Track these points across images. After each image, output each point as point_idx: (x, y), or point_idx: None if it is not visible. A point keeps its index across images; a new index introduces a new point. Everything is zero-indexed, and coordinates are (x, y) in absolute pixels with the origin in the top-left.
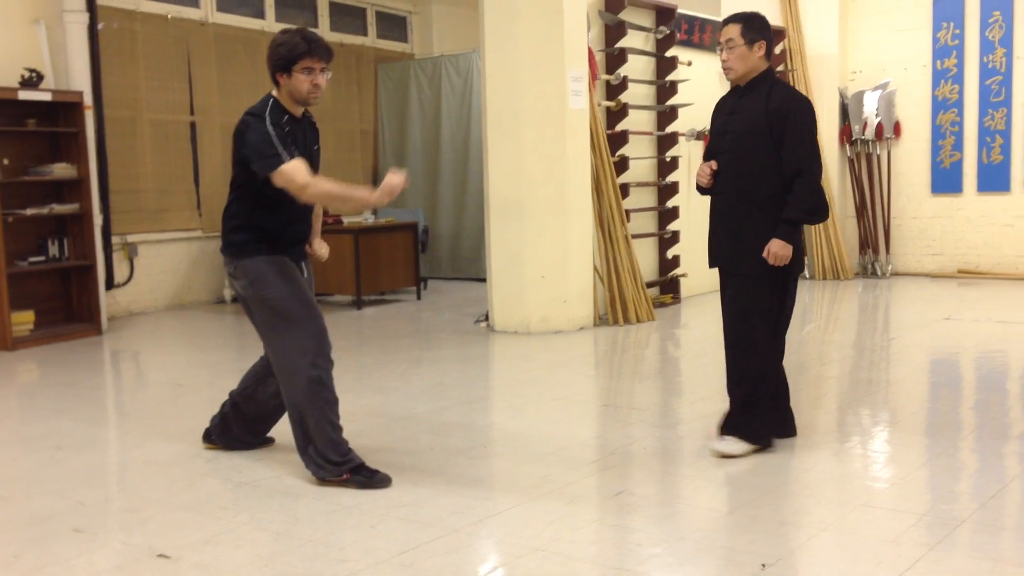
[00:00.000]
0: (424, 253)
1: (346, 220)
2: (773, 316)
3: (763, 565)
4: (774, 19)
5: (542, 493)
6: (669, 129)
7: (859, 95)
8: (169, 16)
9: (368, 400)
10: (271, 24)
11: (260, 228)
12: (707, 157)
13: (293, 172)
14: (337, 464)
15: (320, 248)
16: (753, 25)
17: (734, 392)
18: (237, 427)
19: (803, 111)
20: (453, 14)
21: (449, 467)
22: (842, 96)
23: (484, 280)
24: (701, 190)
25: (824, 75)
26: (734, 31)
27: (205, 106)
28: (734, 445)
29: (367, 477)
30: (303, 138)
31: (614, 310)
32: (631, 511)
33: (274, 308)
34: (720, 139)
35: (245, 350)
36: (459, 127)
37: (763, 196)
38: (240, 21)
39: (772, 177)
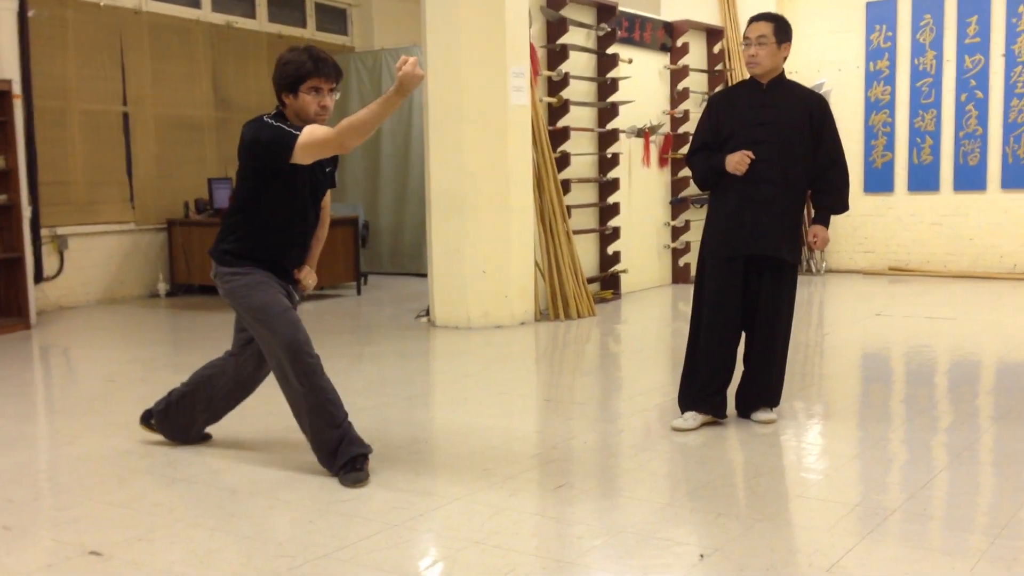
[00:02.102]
0: (364, 248)
1: None
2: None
3: (701, 556)
4: (712, 19)
5: (483, 487)
6: (610, 126)
7: None
8: (102, 4)
9: None
10: (207, 14)
11: (258, 245)
12: (714, 148)
13: (311, 134)
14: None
15: (307, 278)
16: (783, 26)
17: (777, 369)
18: (182, 418)
19: (829, 109)
20: (394, 7)
21: (390, 462)
22: None
23: (425, 275)
24: (710, 182)
25: None
26: (767, 28)
27: (138, 96)
28: (772, 414)
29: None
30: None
31: (555, 305)
32: (572, 504)
33: (253, 316)
34: (753, 130)
35: (179, 345)
36: (400, 122)
37: (803, 185)
38: (175, 10)
39: (808, 167)
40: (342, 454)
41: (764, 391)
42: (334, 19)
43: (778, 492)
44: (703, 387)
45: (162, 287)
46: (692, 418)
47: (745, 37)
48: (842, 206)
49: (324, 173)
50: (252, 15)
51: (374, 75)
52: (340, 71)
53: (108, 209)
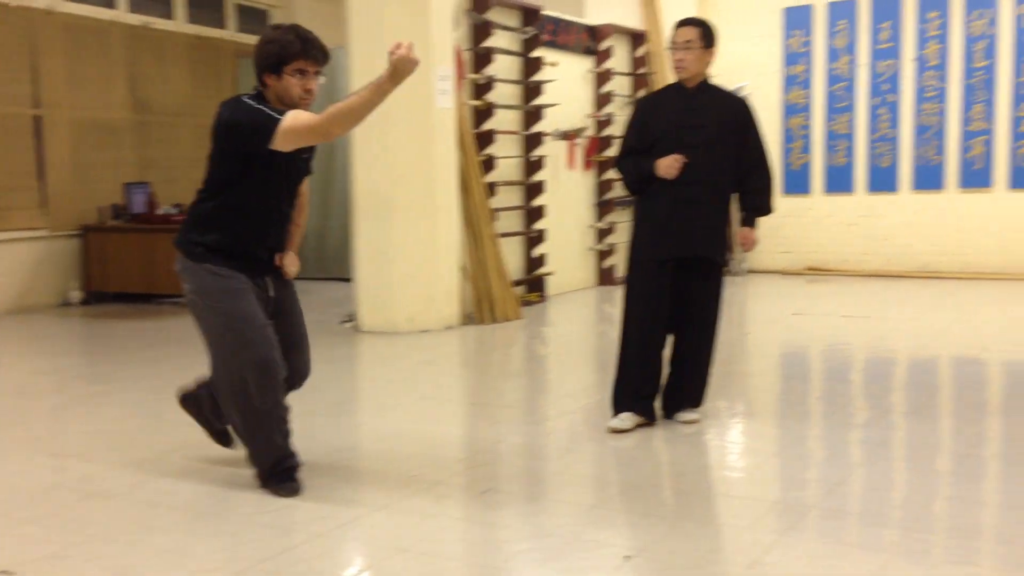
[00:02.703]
0: None
1: None
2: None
3: (626, 557)
4: (635, 23)
5: (409, 493)
6: (535, 129)
7: None
8: (11, 4)
9: None
10: (122, 14)
11: (232, 235)
12: (641, 152)
13: (295, 120)
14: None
15: (291, 265)
16: (709, 32)
17: (704, 370)
18: (208, 406)
19: (753, 112)
20: (317, 9)
21: (314, 470)
22: None
23: (350, 280)
24: (640, 186)
25: None
26: (693, 33)
27: (52, 99)
28: (696, 414)
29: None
30: None
31: (481, 309)
32: (498, 508)
33: (225, 323)
34: (680, 134)
35: (94, 355)
36: None
37: (729, 187)
38: (89, 11)
39: (734, 170)
40: (279, 465)
41: (690, 392)
42: (255, 20)
43: (702, 491)
44: (637, 389)
45: (75, 295)
46: (629, 419)
47: (672, 42)
48: (767, 208)
49: (301, 159)
50: (170, 15)
51: None
52: (328, 54)
53: (19, 215)
